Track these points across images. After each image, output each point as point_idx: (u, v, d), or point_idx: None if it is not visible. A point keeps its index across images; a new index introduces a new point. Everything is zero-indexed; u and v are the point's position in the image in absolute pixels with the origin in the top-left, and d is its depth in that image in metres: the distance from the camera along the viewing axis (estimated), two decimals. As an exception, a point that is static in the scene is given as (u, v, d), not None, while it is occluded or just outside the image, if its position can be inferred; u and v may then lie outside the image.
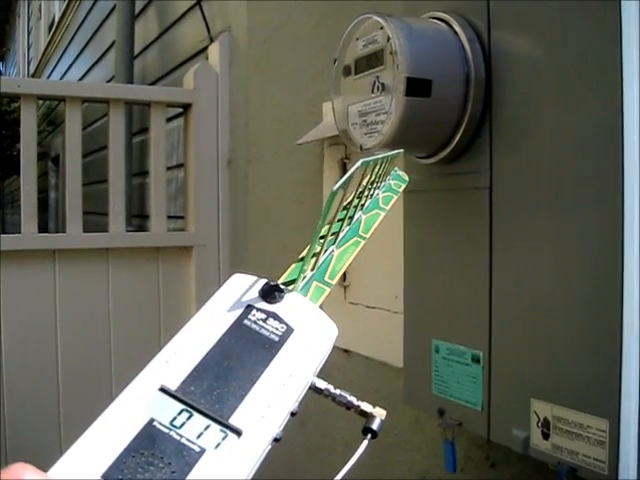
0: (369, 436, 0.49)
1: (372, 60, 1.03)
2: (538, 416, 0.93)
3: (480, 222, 1.02)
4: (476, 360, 1.04)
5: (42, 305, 2.31)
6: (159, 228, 2.46)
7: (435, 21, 1.06)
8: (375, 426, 0.49)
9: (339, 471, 0.44)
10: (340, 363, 1.72)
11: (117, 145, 2.42)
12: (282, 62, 2.11)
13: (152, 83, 3.41)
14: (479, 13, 1.01)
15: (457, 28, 1.02)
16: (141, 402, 0.41)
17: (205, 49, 2.64)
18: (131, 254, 2.43)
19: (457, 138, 1.03)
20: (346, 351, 1.70)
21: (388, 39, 0.98)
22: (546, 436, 0.92)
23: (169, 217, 2.52)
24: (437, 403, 1.12)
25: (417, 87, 0.97)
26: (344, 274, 1.66)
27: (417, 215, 1.17)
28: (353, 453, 0.46)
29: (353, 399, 0.51)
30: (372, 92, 1.03)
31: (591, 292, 0.86)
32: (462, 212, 1.07)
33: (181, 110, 2.58)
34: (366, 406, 0.51)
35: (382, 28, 1.00)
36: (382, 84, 1.00)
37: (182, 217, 2.61)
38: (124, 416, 0.40)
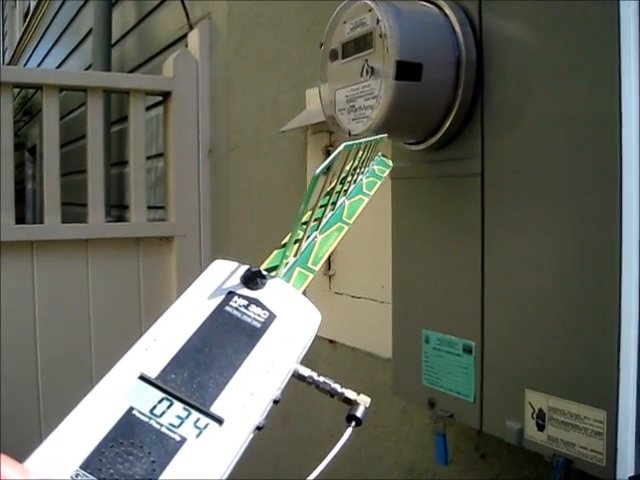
0: (353, 423, 0.48)
1: (360, 43, 1.00)
2: (533, 407, 0.91)
3: (471, 209, 1.00)
4: (468, 350, 1.02)
5: (20, 297, 2.27)
6: (139, 218, 2.43)
7: (425, 3, 1.03)
8: (359, 413, 0.49)
9: (323, 459, 0.44)
10: (326, 354, 1.70)
11: (95, 134, 2.38)
12: (264, 49, 2.08)
13: (130, 71, 3.36)
14: (470, -5, 0.99)
15: (447, 11, 1.00)
16: (120, 390, 0.40)
17: (184, 36, 2.61)
18: (111, 245, 2.39)
19: (448, 123, 1.01)
20: (332, 342, 1.68)
21: (377, 21, 0.95)
22: (541, 427, 0.90)
23: (149, 207, 2.49)
24: (427, 394, 1.10)
25: (407, 71, 0.94)
26: (329, 263, 1.64)
27: (406, 203, 1.15)
28: (335, 442, 0.45)
29: (337, 386, 0.50)
30: (360, 76, 1.00)
31: (588, 280, 0.85)
32: (453, 199, 1.05)
33: (160, 98, 2.54)
34: (350, 393, 0.50)
35: (371, 10, 0.97)
36: (371, 68, 0.98)
37: (162, 207, 2.58)
38: (103, 405, 0.39)
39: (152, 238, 2.45)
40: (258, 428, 0.42)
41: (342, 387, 0.50)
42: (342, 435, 0.47)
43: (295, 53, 1.87)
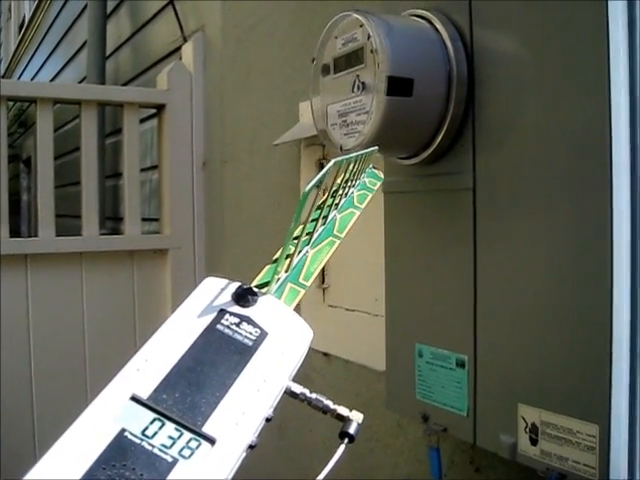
0: (346, 440, 0.48)
1: (352, 59, 1.01)
2: (526, 421, 0.91)
3: (464, 223, 1.00)
4: (461, 364, 1.02)
5: (14, 311, 2.26)
6: (133, 231, 2.42)
7: (416, 19, 1.04)
8: (352, 430, 0.49)
9: (318, 473, 0.44)
10: (319, 367, 1.70)
11: (90, 147, 2.38)
12: (257, 62, 2.08)
13: (125, 84, 3.37)
14: (461, 10, 0.99)
15: (438, 26, 1.00)
16: (112, 412, 0.40)
17: (178, 49, 2.62)
18: (105, 258, 2.39)
19: (439, 138, 1.01)
20: (326, 354, 1.68)
21: (368, 37, 0.96)
22: (534, 442, 0.90)
23: (143, 219, 2.49)
24: (421, 408, 1.10)
25: (398, 86, 0.94)
26: (322, 276, 1.64)
27: (398, 217, 1.15)
28: (330, 455, 0.46)
29: (329, 403, 0.50)
30: (352, 91, 1.00)
31: (579, 294, 0.85)
32: (445, 213, 1.05)
33: (154, 111, 2.55)
34: (343, 410, 0.50)
35: (362, 26, 0.98)
36: (362, 83, 0.98)
37: (156, 219, 2.58)
38: (94, 427, 0.39)
39: (146, 251, 2.45)
40: (250, 447, 0.42)
41: (335, 404, 0.51)
42: (335, 451, 0.47)
43: (289, 66, 1.87)
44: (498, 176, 0.95)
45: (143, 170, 2.59)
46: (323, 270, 1.65)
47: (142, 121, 2.57)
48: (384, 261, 1.18)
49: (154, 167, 2.67)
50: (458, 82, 0.98)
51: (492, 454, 1.01)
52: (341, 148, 1.03)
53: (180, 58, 2.56)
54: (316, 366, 1.71)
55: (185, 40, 2.55)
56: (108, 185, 3.22)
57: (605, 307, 0.80)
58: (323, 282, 1.66)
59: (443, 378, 1.05)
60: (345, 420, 0.50)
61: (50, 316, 2.31)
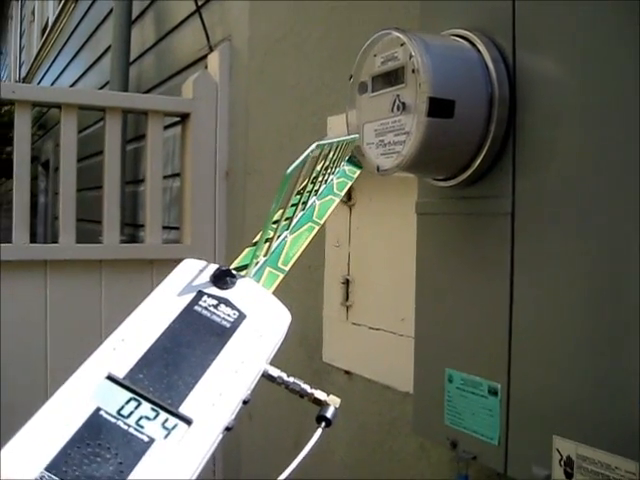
0: (323, 424, 0.49)
1: (391, 78, 0.99)
2: (561, 454, 0.89)
3: (501, 248, 0.98)
4: (493, 392, 1.00)
5: (33, 317, 2.26)
6: (154, 240, 2.42)
7: (457, 39, 1.02)
8: (329, 414, 0.49)
9: (293, 459, 0.46)
10: (341, 385, 1.68)
11: (113, 155, 2.38)
12: (285, 74, 2.07)
13: (148, 90, 3.37)
14: (504, 31, 0.98)
15: (480, 47, 0.99)
16: (87, 391, 0.40)
17: (203, 58, 2.61)
18: (125, 266, 2.38)
19: (479, 160, 0.99)
20: (347, 372, 1.66)
21: (410, 56, 0.94)
22: (569, 475, 0.88)
23: (163, 227, 2.48)
24: (449, 434, 1.08)
25: (440, 107, 0.93)
26: (347, 293, 1.62)
27: (432, 238, 1.13)
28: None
29: (306, 387, 0.51)
30: (391, 111, 0.99)
31: (619, 323, 0.83)
32: (481, 237, 1.03)
33: (177, 119, 2.54)
34: (320, 394, 0.51)
35: (403, 45, 0.96)
36: (402, 103, 0.97)
37: (176, 228, 2.58)
38: (69, 405, 0.39)
39: (166, 260, 2.44)
40: (227, 429, 0.42)
41: (312, 388, 0.51)
42: (312, 435, 0.48)
43: (317, 79, 1.86)
44: (538, 201, 0.94)
45: (164, 178, 2.59)
46: (347, 287, 1.64)
47: (165, 128, 2.56)
48: (415, 282, 1.16)
49: (175, 175, 2.67)
50: (499, 104, 0.97)
51: (519, 484, 0.99)
52: (378, 169, 1.01)
53: (205, 67, 2.55)
54: (337, 384, 1.69)
55: (211, 49, 2.54)
56: (127, 191, 3.22)
57: (648, 340, 0.78)
58: (347, 299, 1.64)
59: (474, 405, 1.03)
60: (322, 404, 0.50)
61: (68, 323, 2.30)
